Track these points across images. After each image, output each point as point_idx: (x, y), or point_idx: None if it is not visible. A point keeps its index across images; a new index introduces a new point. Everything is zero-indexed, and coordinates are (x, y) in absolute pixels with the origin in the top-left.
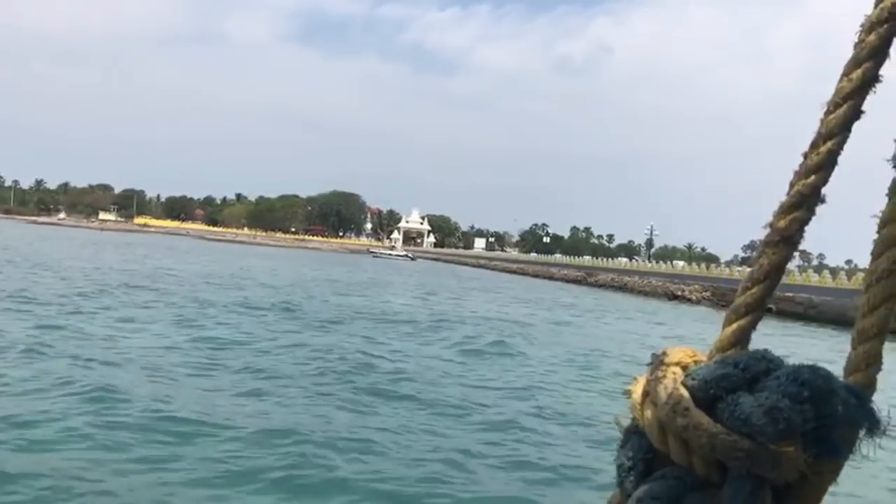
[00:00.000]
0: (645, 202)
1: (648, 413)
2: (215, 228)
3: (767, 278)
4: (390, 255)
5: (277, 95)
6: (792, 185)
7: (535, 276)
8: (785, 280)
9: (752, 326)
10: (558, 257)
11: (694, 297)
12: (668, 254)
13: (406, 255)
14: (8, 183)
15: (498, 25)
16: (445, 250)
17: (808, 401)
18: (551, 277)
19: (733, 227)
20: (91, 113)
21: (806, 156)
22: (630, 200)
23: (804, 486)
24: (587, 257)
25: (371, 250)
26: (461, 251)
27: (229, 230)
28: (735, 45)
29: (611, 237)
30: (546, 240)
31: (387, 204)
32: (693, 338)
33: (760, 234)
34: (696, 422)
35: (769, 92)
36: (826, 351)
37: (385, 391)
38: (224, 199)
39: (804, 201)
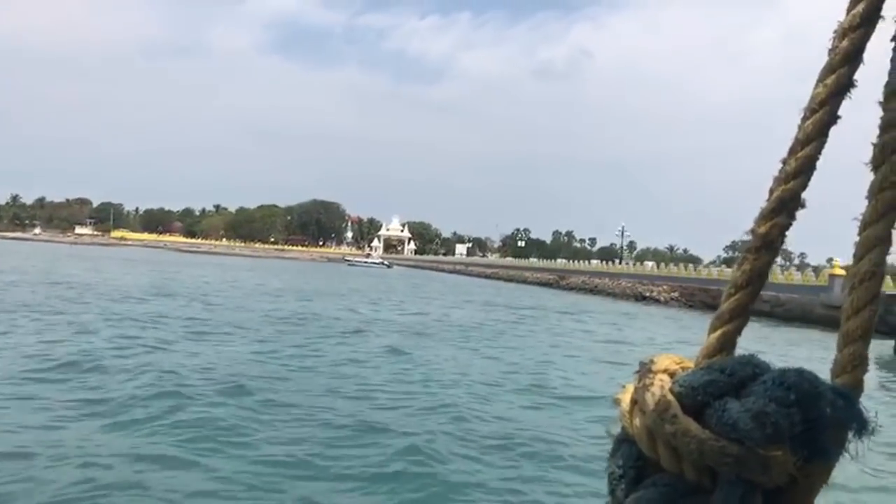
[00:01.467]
0: (627, 205)
1: (637, 421)
2: (192, 240)
3: (750, 284)
4: (365, 262)
5: (258, 106)
6: (771, 191)
7: (509, 280)
8: None
9: (737, 332)
10: (533, 261)
11: (662, 298)
12: (649, 256)
13: (382, 263)
14: None
15: (478, 32)
16: (424, 257)
17: (795, 404)
18: (524, 281)
19: (715, 229)
20: (69, 126)
21: (785, 161)
22: (612, 204)
23: (795, 489)
24: (561, 260)
25: (346, 258)
26: (439, 258)
27: (207, 242)
28: (713, 47)
29: (593, 241)
30: (521, 244)
31: (368, 212)
32: (635, 339)
33: (742, 235)
34: (685, 428)
35: (748, 93)
36: (786, 347)
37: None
38: (203, 210)
39: (784, 207)
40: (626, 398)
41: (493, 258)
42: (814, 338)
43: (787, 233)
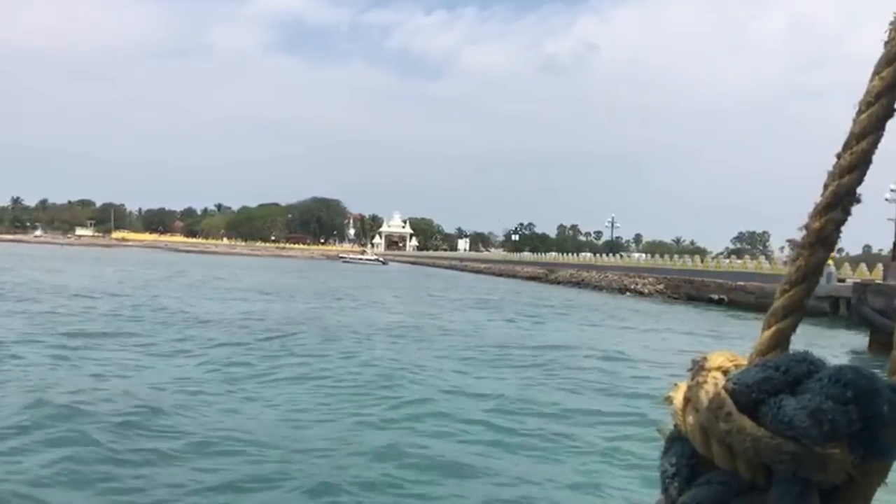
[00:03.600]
0: (634, 198)
1: (690, 419)
2: (193, 240)
3: (805, 280)
4: (361, 259)
5: (261, 105)
6: (826, 186)
7: (500, 274)
8: (736, 268)
9: (791, 329)
10: (526, 255)
11: (646, 290)
12: (656, 248)
13: (377, 260)
14: None
15: (484, 27)
16: (424, 253)
17: (852, 402)
18: (515, 275)
19: (723, 220)
20: (73, 128)
21: (839, 156)
22: (619, 197)
23: (852, 487)
24: (552, 253)
25: (341, 256)
26: (438, 254)
27: (208, 241)
28: (718, 37)
29: (598, 234)
30: (515, 238)
31: (371, 209)
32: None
33: (748, 226)
34: (740, 426)
35: (754, 84)
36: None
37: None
38: (205, 210)
39: (839, 202)
40: (678, 396)
41: (494, 253)
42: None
43: (842, 228)
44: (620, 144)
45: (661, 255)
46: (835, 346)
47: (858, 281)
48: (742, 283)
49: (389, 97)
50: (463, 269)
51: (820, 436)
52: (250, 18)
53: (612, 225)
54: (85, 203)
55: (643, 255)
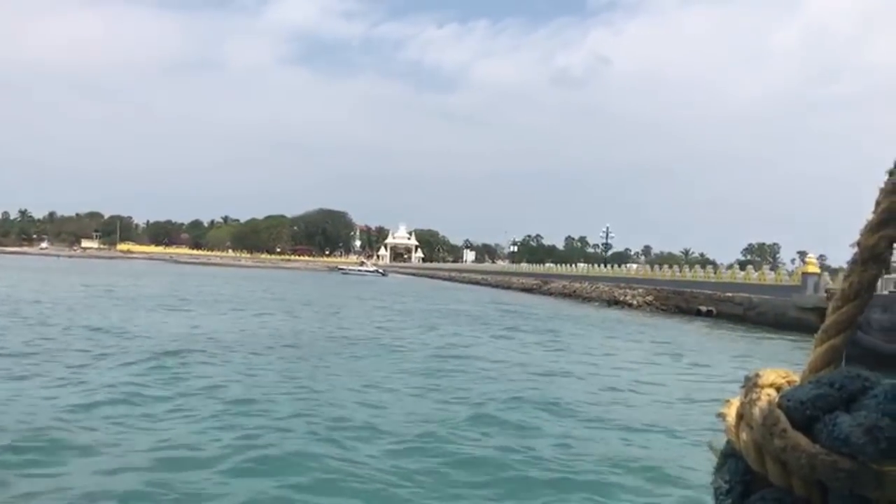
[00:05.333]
0: (645, 210)
1: (744, 435)
2: (198, 252)
3: (858, 297)
4: (359, 271)
5: (273, 118)
6: (878, 202)
7: (496, 286)
8: (724, 279)
9: (843, 345)
10: (524, 266)
11: (635, 302)
12: (665, 260)
13: (376, 271)
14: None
15: (496, 40)
16: (428, 265)
17: None
18: (510, 287)
19: (733, 232)
20: (84, 141)
21: (891, 172)
22: (630, 209)
23: None
24: (550, 264)
25: (340, 267)
26: (437, 265)
27: (213, 253)
28: (731, 50)
29: (607, 246)
30: (513, 249)
31: (379, 221)
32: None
33: (759, 237)
34: (794, 443)
35: (768, 95)
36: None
37: None
38: (212, 222)
39: (892, 218)
40: (731, 413)
41: (498, 265)
42: (780, 350)
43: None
44: (632, 157)
45: (652, 267)
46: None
47: (831, 290)
48: (730, 295)
49: (401, 110)
50: (460, 280)
51: (876, 452)
52: (264, 32)
53: (608, 234)
54: (93, 215)
55: (637, 265)
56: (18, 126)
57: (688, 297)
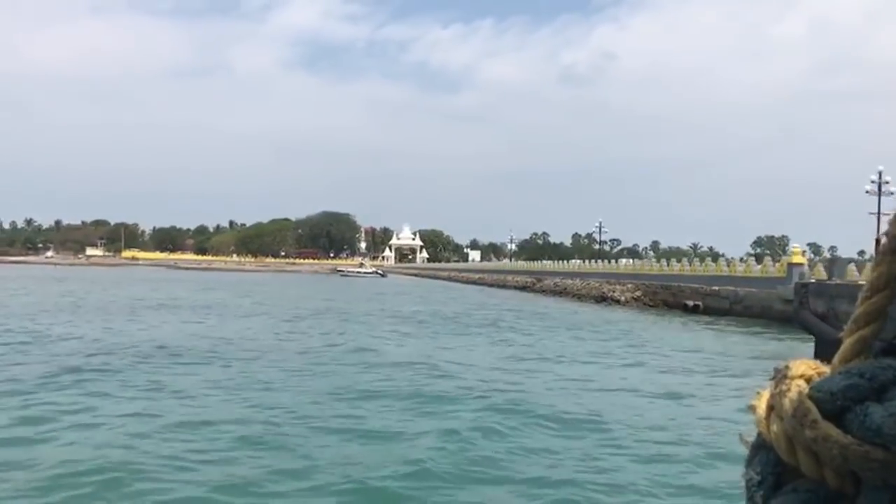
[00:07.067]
0: (653, 206)
1: (775, 427)
2: (202, 257)
3: (888, 286)
4: (358, 272)
5: (278, 122)
6: None
7: (493, 284)
8: (712, 272)
9: (873, 336)
10: (521, 264)
11: (623, 298)
12: (672, 255)
13: (376, 272)
14: (6, 224)
15: (501, 40)
16: (432, 265)
17: None
18: (505, 285)
19: (742, 225)
20: (88, 149)
21: None
22: (637, 204)
23: None
24: (546, 262)
25: (339, 269)
26: (438, 265)
27: (218, 258)
28: (735, 43)
29: (615, 241)
30: (512, 248)
31: (385, 222)
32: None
33: (768, 230)
34: (826, 434)
35: (775, 87)
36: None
37: None
38: (217, 227)
39: None
40: (761, 404)
41: (500, 263)
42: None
43: None
44: (639, 151)
45: (659, 261)
46: (787, 354)
47: (798, 282)
48: (716, 288)
49: (407, 111)
50: (459, 280)
51: None
52: (268, 37)
53: (601, 230)
54: (99, 223)
55: (629, 260)
56: (24, 134)
57: (675, 291)
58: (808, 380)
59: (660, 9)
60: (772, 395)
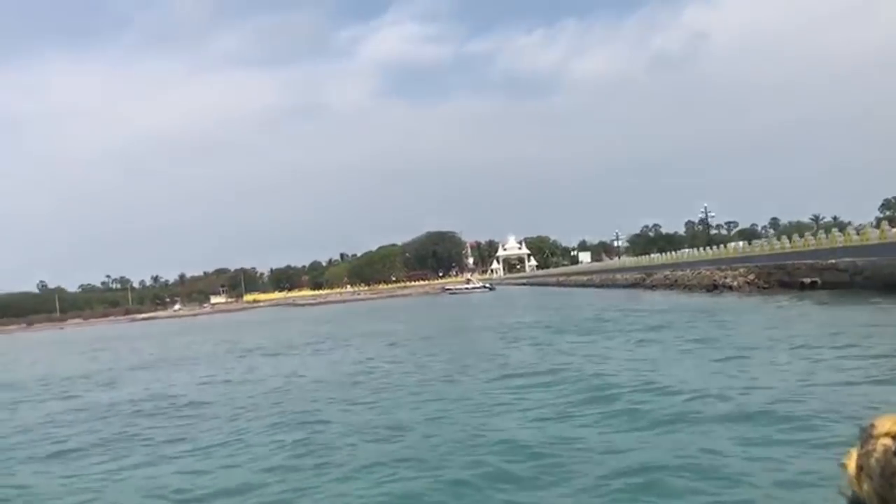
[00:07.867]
0: (767, 182)
1: (866, 486)
2: (317, 292)
3: None
4: (466, 289)
5: (375, 151)
6: None
7: (602, 285)
8: (824, 245)
9: None
10: (627, 260)
11: (736, 284)
12: (795, 230)
13: (484, 287)
14: (136, 284)
15: (586, 36)
16: (540, 272)
17: None
18: (614, 284)
19: (866, 189)
20: (201, 202)
21: None
22: (751, 183)
23: None
24: (655, 255)
25: (446, 288)
26: (549, 271)
27: (333, 291)
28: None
29: (731, 224)
30: (617, 244)
31: (489, 235)
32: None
33: (894, 191)
34: None
35: (887, 39)
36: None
37: None
38: (329, 260)
39: None
40: (851, 464)
41: (614, 262)
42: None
43: None
44: (744, 129)
45: (779, 238)
46: None
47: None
48: (833, 262)
49: (500, 121)
50: (568, 284)
51: None
52: (359, 72)
53: (706, 214)
54: (220, 271)
55: (739, 243)
56: (142, 197)
57: (790, 269)
58: (895, 437)
59: None
60: (859, 455)
